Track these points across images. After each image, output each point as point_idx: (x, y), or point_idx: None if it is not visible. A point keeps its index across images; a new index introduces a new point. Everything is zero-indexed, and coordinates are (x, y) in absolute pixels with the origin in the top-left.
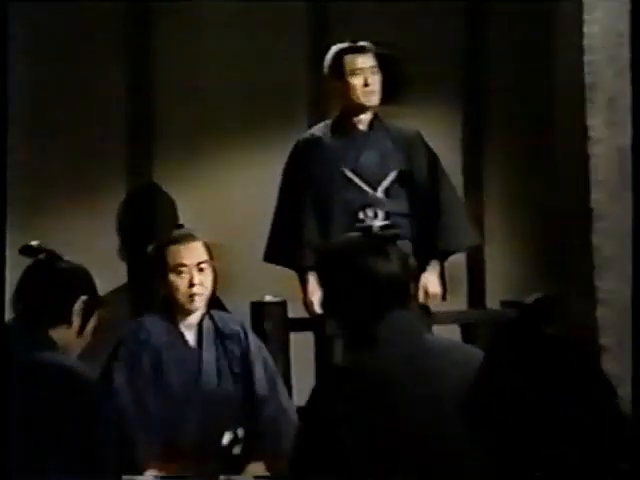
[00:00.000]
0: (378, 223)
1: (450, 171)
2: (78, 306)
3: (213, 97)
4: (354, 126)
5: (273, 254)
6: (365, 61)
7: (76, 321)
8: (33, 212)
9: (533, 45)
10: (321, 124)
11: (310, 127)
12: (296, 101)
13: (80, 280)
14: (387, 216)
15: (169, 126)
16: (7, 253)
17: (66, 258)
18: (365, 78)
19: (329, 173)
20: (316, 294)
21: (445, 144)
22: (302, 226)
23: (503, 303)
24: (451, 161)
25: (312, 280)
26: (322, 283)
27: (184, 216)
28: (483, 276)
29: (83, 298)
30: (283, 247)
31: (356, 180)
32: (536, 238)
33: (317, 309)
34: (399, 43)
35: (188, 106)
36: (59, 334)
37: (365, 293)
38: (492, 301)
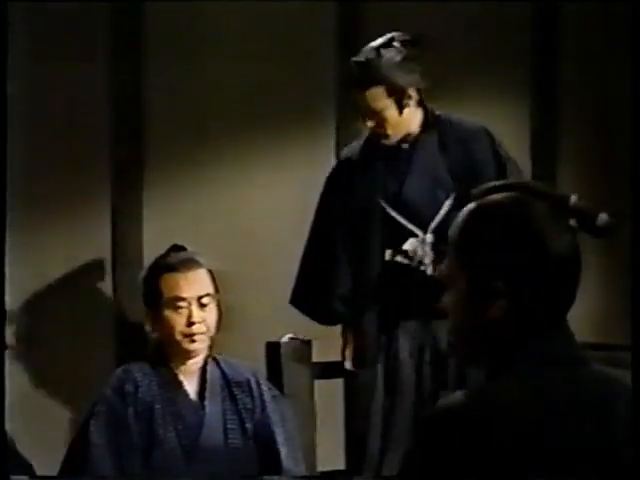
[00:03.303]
0: None
1: None
2: None
3: (215, 98)
4: (395, 145)
5: (299, 301)
6: (370, 99)
7: None
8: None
9: (610, 40)
10: (362, 138)
11: (339, 135)
12: (321, 103)
13: None
14: (438, 254)
15: (162, 133)
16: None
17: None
18: (371, 120)
19: (365, 208)
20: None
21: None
22: (333, 274)
23: (582, 345)
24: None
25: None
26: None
27: (180, 237)
28: None
29: None
30: (310, 296)
31: (399, 219)
32: (621, 263)
33: (348, 365)
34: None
35: (185, 110)
36: None
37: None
38: None
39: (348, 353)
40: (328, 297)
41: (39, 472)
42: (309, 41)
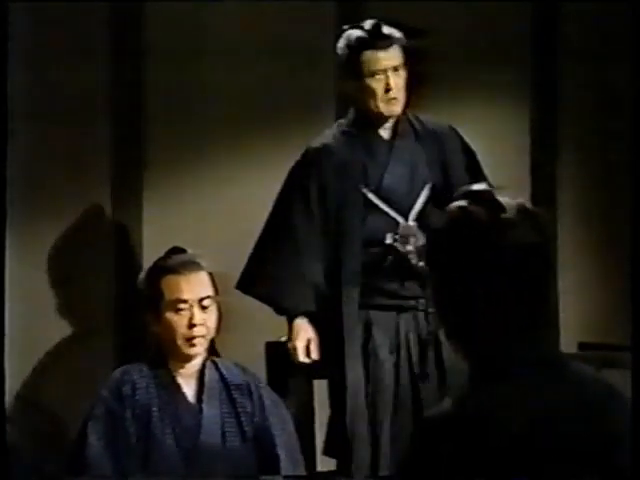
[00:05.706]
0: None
1: (517, 187)
2: None
3: (214, 98)
4: (374, 133)
5: (251, 285)
6: (389, 58)
7: None
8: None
9: (610, 40)
10: (333, 128)
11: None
12: (321, 103)
13: None
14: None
15: (162, 133)
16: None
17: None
18: (387, 81)
19: (346, 195)
20: (302, 338)
21: (509, 153)
22: (303, 263)
23: (582, 345)
24: (518, 175)
25: (299, 321)
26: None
27: (180, 237)
28: (556, 314)
29: None
30: (269, 280)
31: (381, 206)
32: (621, 263)
33: (301, 357)
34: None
35: (185, 110)
36: None
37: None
38: (568, 343)
39: (301, 344)
40: (295, 284)
41: None
42: (309, 41)
